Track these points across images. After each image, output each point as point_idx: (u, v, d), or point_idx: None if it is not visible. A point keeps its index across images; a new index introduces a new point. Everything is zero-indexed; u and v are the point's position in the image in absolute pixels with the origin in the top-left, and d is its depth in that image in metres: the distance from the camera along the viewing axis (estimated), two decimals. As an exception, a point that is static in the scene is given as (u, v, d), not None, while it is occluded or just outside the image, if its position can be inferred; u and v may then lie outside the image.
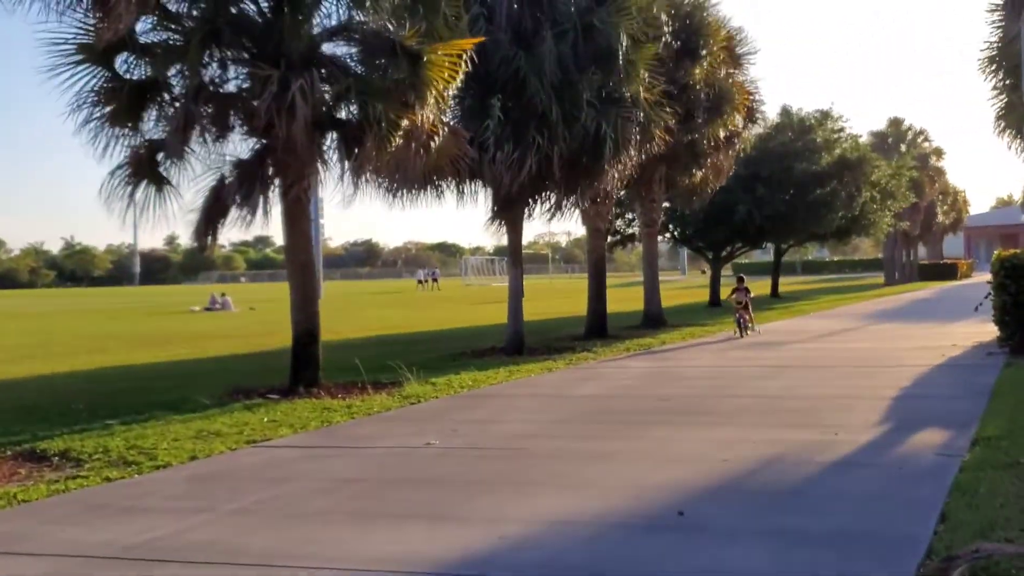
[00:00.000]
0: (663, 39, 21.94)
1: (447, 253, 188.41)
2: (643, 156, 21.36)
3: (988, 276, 18.65)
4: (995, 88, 26.75)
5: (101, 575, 6.07)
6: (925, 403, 12.05)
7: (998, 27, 24.74)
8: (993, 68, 25.97)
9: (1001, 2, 22.05)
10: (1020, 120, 25.76)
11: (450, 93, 14.77)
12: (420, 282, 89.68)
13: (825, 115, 43.45)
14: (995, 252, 19.21)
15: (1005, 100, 26.61)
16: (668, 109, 21.02)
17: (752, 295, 24.02)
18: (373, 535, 6.74)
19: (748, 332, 23.12)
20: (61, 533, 7.03)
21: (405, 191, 18.31)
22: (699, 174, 26.58)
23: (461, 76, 14.63)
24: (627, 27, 19.13)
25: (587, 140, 19.01)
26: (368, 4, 14.51)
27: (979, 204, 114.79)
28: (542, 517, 7.02)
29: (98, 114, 14.07)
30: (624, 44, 19.11)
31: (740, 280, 24.57)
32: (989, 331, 19.00)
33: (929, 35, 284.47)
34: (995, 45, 25.54)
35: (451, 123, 15.16)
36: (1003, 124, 27.84)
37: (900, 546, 6.01)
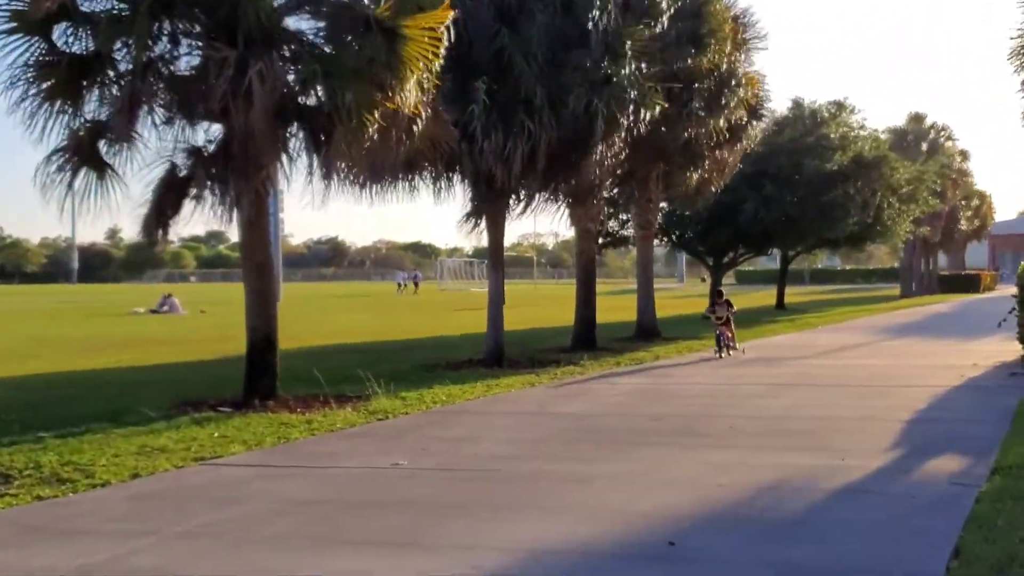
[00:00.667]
0: (660, 22, 21.98)
1: (421, 254, 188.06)
2: (634, 136, 21.27)
3: (1013, 289, 18.68)
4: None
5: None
6: (941, 427, 12.12)
7: None
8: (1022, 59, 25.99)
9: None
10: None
11: (434, 71, 14.68)
12: (400, 285, 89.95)
13: (840, 107, 43.20)
14: (1022, 263, 19.27)
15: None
16: (661, 93, 21.08)
17: (735, 309, 23.13)
18: (333, 563, 6.72)
19: (730, 352, 21.99)
20: (-16, 559, 7.02)
21: (377, 184, 18.28)
22: (698, 173, 26.54)
23: (443, 53, 14.59)
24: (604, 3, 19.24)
25: (576, 125, 19.04)
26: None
27: (1006, 210, 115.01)
28: (520, 545, 7.03)
29: (34, 91, 13.96)
30: (603, 21, 19.19)
31: (719, 294, 24.16)
32: (1013, 350, 19.17)
33: (953, 24, 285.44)
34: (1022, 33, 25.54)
35: (431, 105, 15.05)
36: (1032, 122, 27.90)
37: (911, 582, 6.04)
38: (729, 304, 22.68)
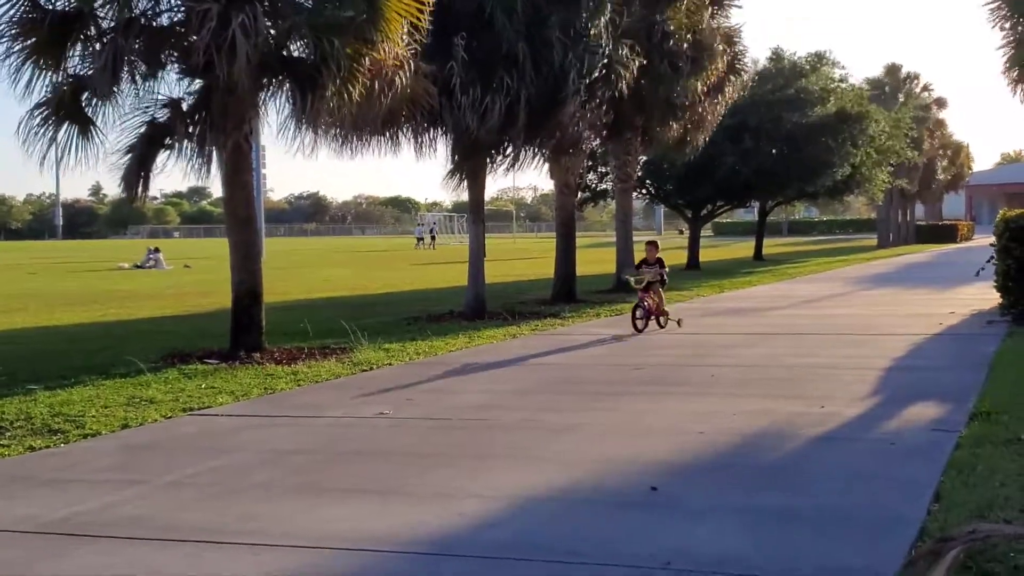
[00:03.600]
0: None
1: (401, 209, 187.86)
2: (614, 91, 21.22)
3: (991, 239, 18.58)
4: (1004, 34, 26.75)
5: (17, 553, 6.03)
6: (919, 375, 12.12)
7: None
8: (1004, 12, 25.90)
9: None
10: (1025, 72, 25.76)
11: (420, 25, 14.58)
12: (420, 239, 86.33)
13: (820, 59, 42.92)
14: (1000, 212, 19.20)
15: (1012, 48, 26.59)
16: (638, 49, 21.01)
17: (667, 270, 17.60)
18: (319, 511, 6.73)
19: (660, 323, 17.14)
20: (-22, 506, 7.00)
21: (357, 139, 18.19)
22: (678, 126, 26.44)
23: (426, 8, 14.50)
24: None
25: (555, 80, 18.99)
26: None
27: (983, 160, 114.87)
28: (504, 493, 7.03)
29: (18, 48, 13.84)
30: None
31: (653, 246, 17.74)
32: (990, 298, 19.01)
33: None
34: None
35: (412, 59, 14.96)
36: (1010, 74, 27.84)
37: (890, 527, 6.04)
38: (661, 263, 17.22)
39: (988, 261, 18.90)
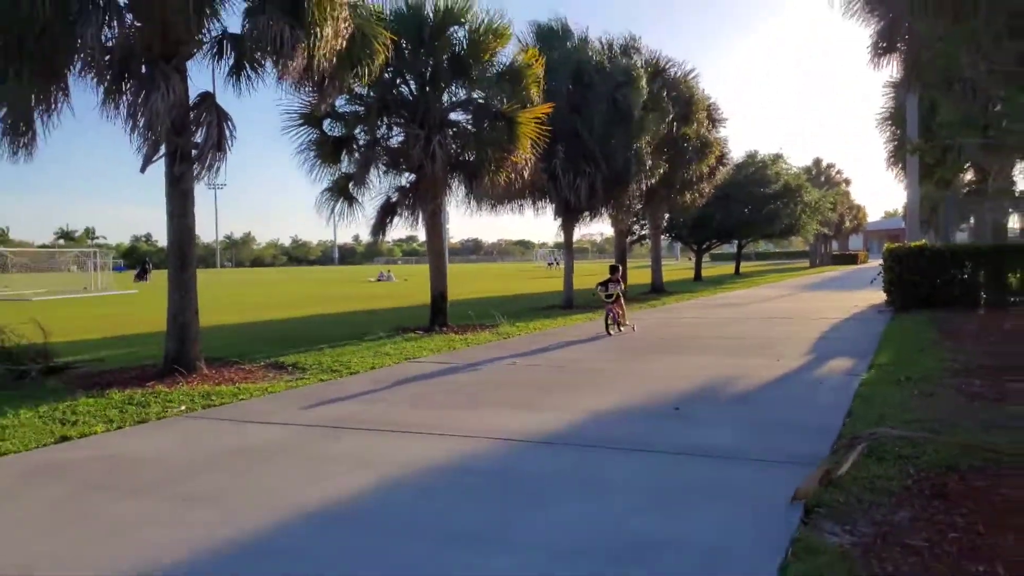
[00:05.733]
0: (666, 109, 21.56)
1: (525, 247, 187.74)
2: (651, 183, 21.12)
3: (879, 261, 18.15)
4: (887, 137, 26.17)
5: (309, 438, 6.17)
6: (837, 342, 11.68)
7: (890, 97, 24.28)
8: (889, 123, 25.33)
9: (894, 80, 21.48)
10: (901, 160, 24.83)
11: (539, 140, 14.68)
12: (549, 264, 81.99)
13: (776, 157, 42.70)
14: (885, 244, 18.75)
15: (894, 146, 25.90)
16: (665, 154, 20.92)
17: (624, 287, 14.46)
18: (480, 416, 6.75)
19: (620, 328, 13.75)
20: (292, 412, 7.18)
21: (500, 205, 18.42)
22: (689, 196, 26.10)
23: (542, 131, 14.59)
24: (637, 100, 19.00)
25: (616, 170, 19.02)
26: (479, 87, 14.53)
27: (874, 215, 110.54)
28: (587, 407, 6.97)
29: (313, 157, 14.31)
30: (636, 111, 18.96)
31: (613, 270, 14.36)
32: (879, 297, 18.49)
33: (847, 100, 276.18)
34: (888, 108, 24.92)
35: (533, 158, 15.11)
36: (892, 161, 27.19)
37: (820, 431, 5.88)
38: (620, 282, 14.12)
39: (877, 275, 18.50)
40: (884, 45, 14.59)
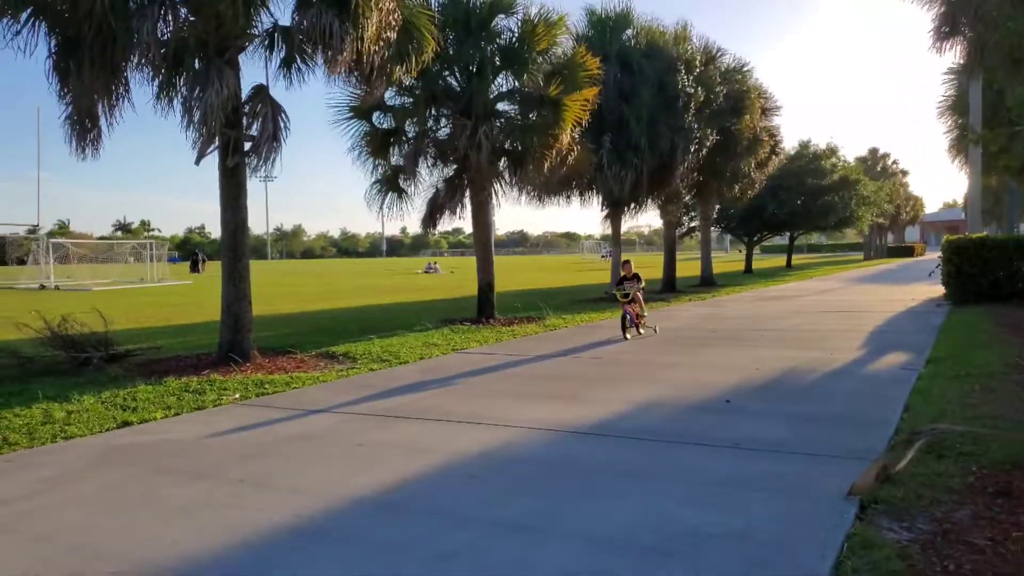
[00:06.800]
0: (716, 98, 21.18)
1: (570, 239, 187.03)
2: (699, 164, 20.93)
3: (938, 254, 17.57)
4: (948, 126, 25.32)
5: (361, 426, 6.26)
6: (894, 336, 11.38)
7: (952, 84, 23.45)
8: (951, 112, 24.50)
9: (957, 66, 20.74)
10: (963, 150, 23.98)
11: (583, 122, 14.61)
12: (603, 256, 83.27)
13: (832, 150, 41.76)
14: (944, 236, 18.12)
15: (955, 135, 25.06)
16: (712, 129, 20.66)
17: (642, 285, 12.29)
18: (528, 408, 6.77)
19: (640, 331, 11.88)
20: (343, 401, 7.29)
21: (547, 196, 18.40)
22: (739, 187, 25.71)
23: (587, 116, 14.52)
24: (685, 84, 18.81)
25: (664, 160, 18.80)
26: (526, 76, 14.49)
27: (931, 206, 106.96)
28: (634, 400, 6.94)
29: (363, 149, 14.50)
30: (682, 96, 18.78)
31: (626, 265, 12.38)
32: (938, 291, 18.00)
33: (905, 88, 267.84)
34: (949, 96, 24.08)
35: (579, 144, 15.05)
36: (953, 151, 26.28)
37: (877, 426, 5.74)
38: (638, 278, 12.11)
39: (936, 268, 17.91)
40: (947, 29, 14.08)
